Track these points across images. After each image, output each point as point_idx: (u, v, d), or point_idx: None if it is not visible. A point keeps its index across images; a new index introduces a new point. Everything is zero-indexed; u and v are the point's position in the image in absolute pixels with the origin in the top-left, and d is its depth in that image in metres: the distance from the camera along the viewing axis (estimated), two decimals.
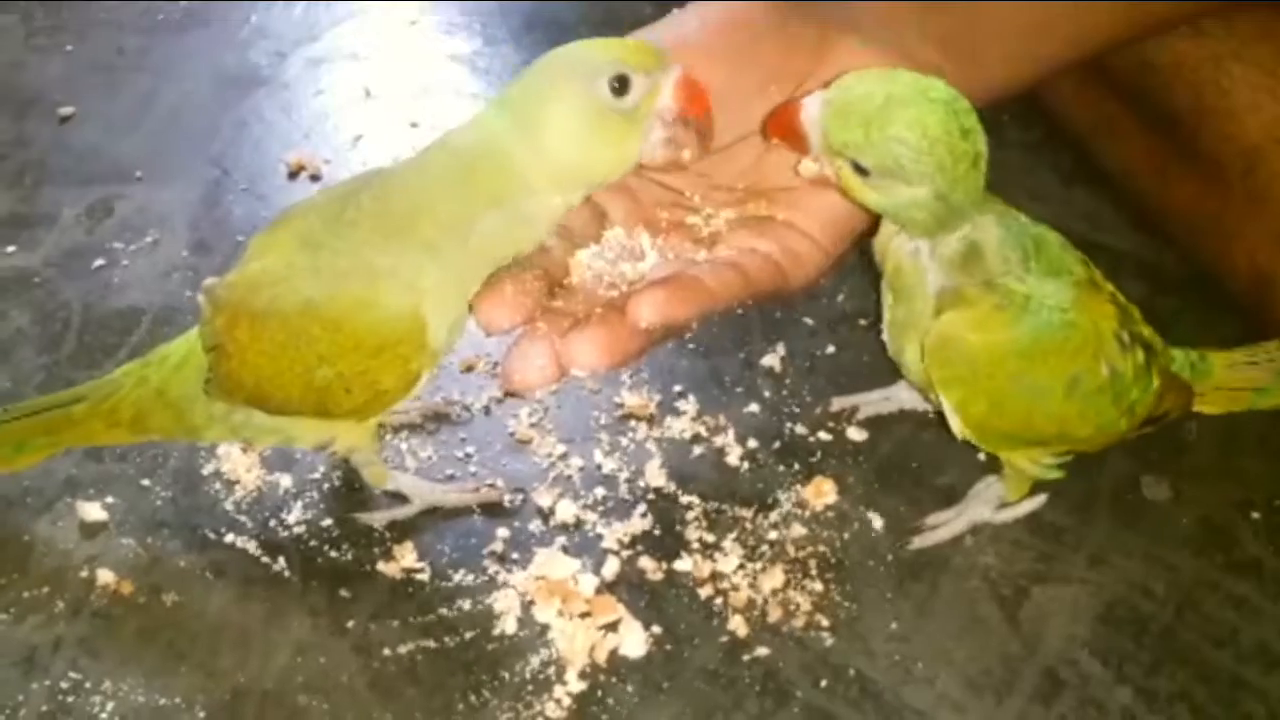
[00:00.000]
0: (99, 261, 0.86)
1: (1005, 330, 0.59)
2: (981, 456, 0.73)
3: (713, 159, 0.63)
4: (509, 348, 0.57)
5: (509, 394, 0.77)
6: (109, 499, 0.72)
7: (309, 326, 0.58)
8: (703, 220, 0.63)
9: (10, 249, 0.87)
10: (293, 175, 0.94)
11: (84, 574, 0.68)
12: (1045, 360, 0.60)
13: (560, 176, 0.58)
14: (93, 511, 0.71)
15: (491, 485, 0.73)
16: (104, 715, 0.63)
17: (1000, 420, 0.62)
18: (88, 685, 0.64)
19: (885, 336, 0.67)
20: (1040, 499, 0.72)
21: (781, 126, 0.60)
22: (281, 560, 0.70)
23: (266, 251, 0.60)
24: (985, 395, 0.61)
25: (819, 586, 0.69)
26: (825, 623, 0.68)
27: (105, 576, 0.68)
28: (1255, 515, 0.73)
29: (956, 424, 0.64)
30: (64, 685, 0.64)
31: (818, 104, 0.57)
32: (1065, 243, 0.63)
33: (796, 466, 0.75)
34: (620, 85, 0.56)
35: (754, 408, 0.79)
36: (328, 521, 0.71)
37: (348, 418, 0.63)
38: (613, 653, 0.66)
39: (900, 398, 0.77)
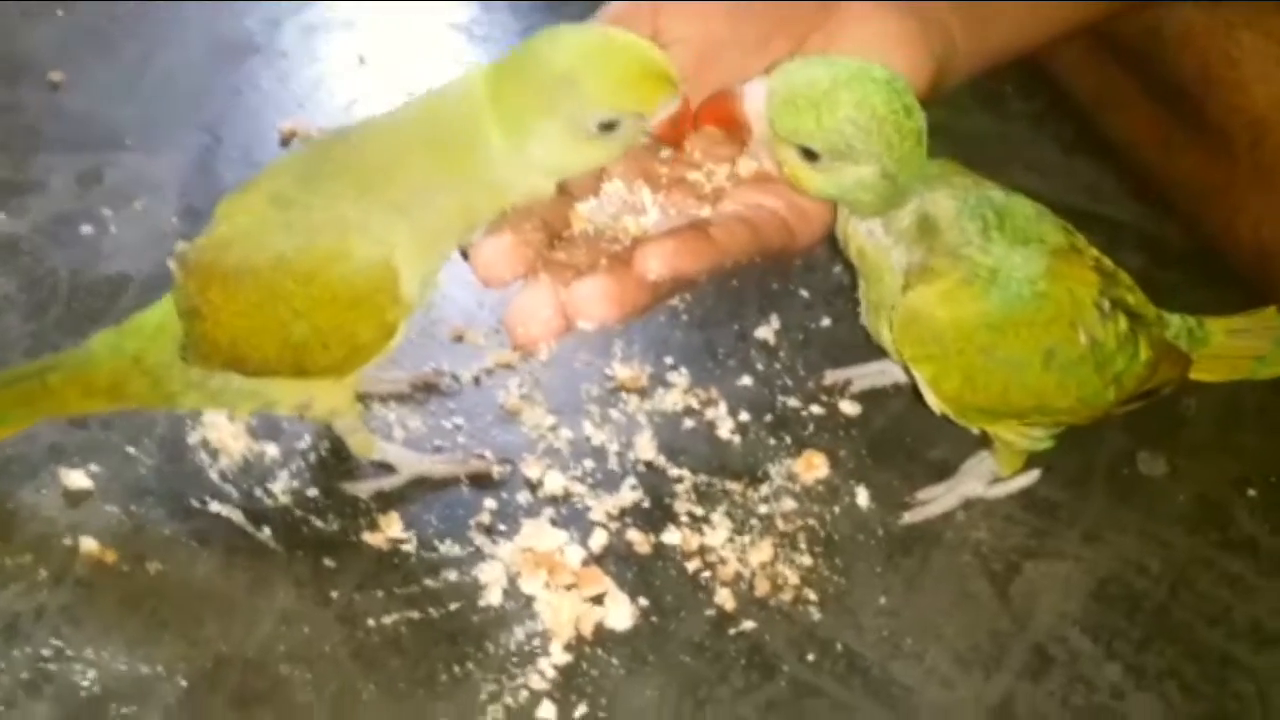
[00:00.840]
0: (87, 228, 0.85)
1: (973, 304, 0.59)
2: (975, 431, 0.72)
3: None
4: (511, 300, 0.56)
5: (516, 348, 0.75)
6: (93, 466, 0.71)
7: (282, 281, 0.58)
8: (704, 176, 0.62)
9: None
10: (285, 142, 0.93)
11: (67, 542, 0.68)
12: (1017, 332, 0.59)
13: (534, 170, 0.57)
14: (77, 479, 0.70)
15: (480, 456, 0.73)
16: (85, 683, 0.63)
17: (975, 395, 0.61)
18: (69, 653, 0.64)
19: (864, 320, 0.66)
20: (1034, 474, 0.71)
21: (718, 115, 0.59)
22: (266, 529, 0.69)
23: (235, 213, 0.60)
24: (958, 370, 0.60)
25: (808, 560, 0.69)
26: (813, 597, 0.67)
27: (89, 544, 0.68)
28: (1252, 492, 0.72)
29: (932, 399, 0.63)
30: (45, 653, 0.64)
31: (761, 92, 0.57)
32: (1043, 210, 0.62)
33: (788, 440, 0.74)
34: (609, 126, 0.56)
35: (746, 380, 0.78)
36: (314, 491, 0.71)
37: (326, 375, 0.62)
38: (598, 625, 0.66)
39: (894, 372, 0.76)
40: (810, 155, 0.57)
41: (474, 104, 0.56)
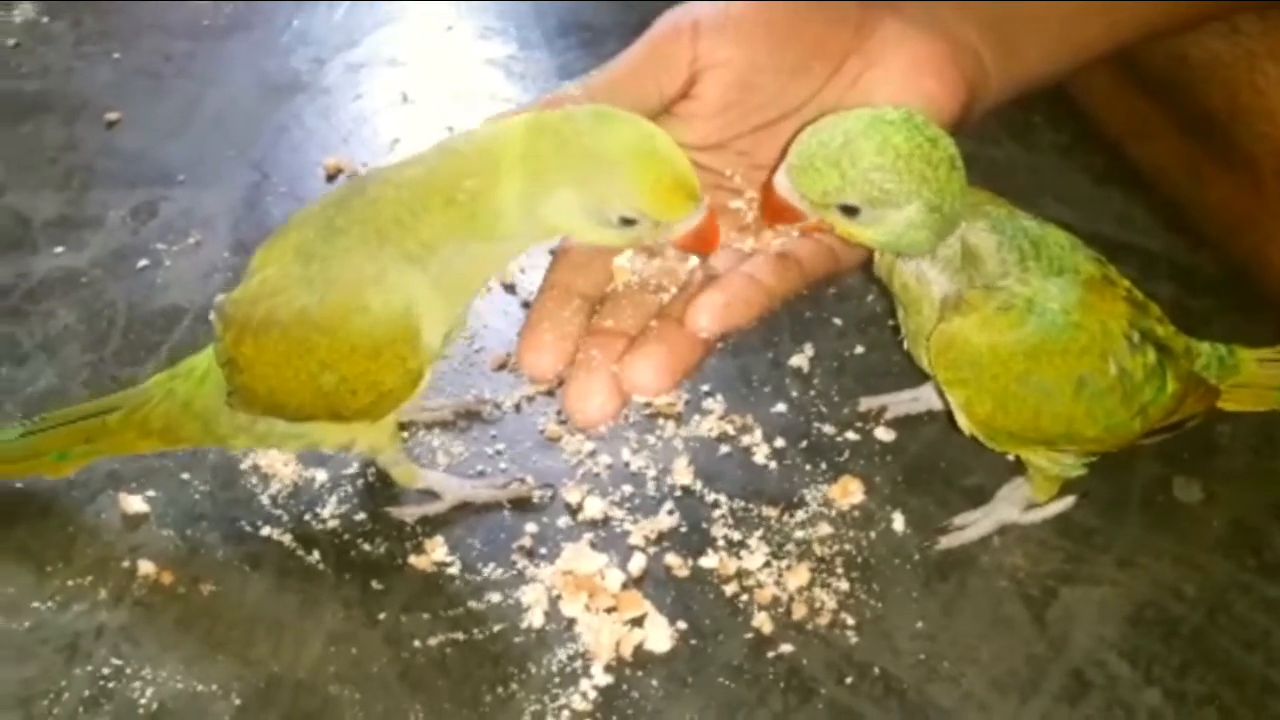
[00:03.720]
0: (143, 262, 0.88)
1: (1010, 331, 0.60)
2: (1010, 458, 0.72)
3: (755, 136, 0.63)
4: (566, 382, 0.57)
5: (580, 429, 0.75)
6: (150, 492, 0.73)
7: (307, 334, 0.59)
8: (746, 204, 0.63)
9: (59, 250, 0.89)
10: (330, 178, 0.96)
11: (126, 564, 0.70)
12: (1051, 360, 0.60)
13: (533, 227, 0.58)
14: (135, 504, 0.73)
15: (521, 481, 0.74)
16: (143, 701, 0.65)
17: (1007, 419, 0.62)
18: (128, 671, 0.66)
19: (906, 346, 0.67)
20: (1069, 500, 0.72)
21: (774, 211, 0.60)
22: (316, 553, 0.71)
23: (266, 264, 0.61)
24: (991, 395, 0.61)
25: (844, 585, 0.70)
26: (850, 621, 0.68)
27: (146, 567, 0.70)
28: None
29: (964, 422, 0.64)
30: (105, 671, 0.66)
31: (784, 172, 0.58)
32: (1075, 241, 0.63)
33: (823, 466, 0.76)
34: (628, 221, 0.56)
35: (781, 407, 0.79)
36: (361, 515, 0.73)
37: (360, 419, 0.64)
38: (638, 647, 0.67)
39: (928, 399, 0.77)
40: (850, 211, 0.57)
41: (503, 148, 0.56)
